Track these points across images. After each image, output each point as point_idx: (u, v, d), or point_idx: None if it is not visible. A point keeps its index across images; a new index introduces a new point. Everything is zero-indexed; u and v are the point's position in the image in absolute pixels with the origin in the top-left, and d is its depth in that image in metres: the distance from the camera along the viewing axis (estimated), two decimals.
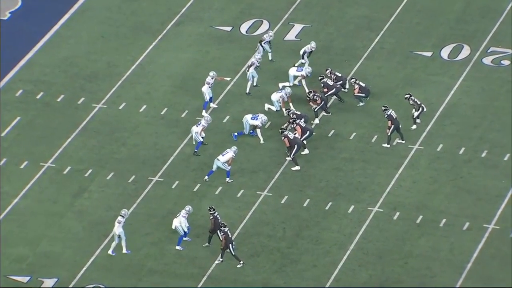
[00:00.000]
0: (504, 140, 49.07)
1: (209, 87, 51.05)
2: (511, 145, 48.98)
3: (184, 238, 44.64)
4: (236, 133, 50.36)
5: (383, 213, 45.69)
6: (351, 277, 43.13)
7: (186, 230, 44.81)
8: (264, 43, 52.92)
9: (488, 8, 56.12)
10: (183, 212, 45.19)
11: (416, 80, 52.10)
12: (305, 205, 46.13)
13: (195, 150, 48.68)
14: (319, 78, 51.35)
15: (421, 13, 55.32)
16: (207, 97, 51.18)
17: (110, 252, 45.08)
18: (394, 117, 49.64)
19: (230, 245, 44.03)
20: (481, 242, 44.97)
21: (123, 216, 45.04)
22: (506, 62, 53.14)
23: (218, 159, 47.60)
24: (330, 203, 45.97)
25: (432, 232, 45.17)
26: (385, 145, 49.58)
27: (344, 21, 55.16)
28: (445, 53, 53.20)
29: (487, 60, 53.33)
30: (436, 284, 43.52)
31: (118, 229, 44.91)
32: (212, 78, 50.99)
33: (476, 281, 43.29)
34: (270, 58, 52.63)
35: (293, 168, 48.77)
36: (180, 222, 44.86)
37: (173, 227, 45.40)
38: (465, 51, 53.69)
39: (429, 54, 53.27)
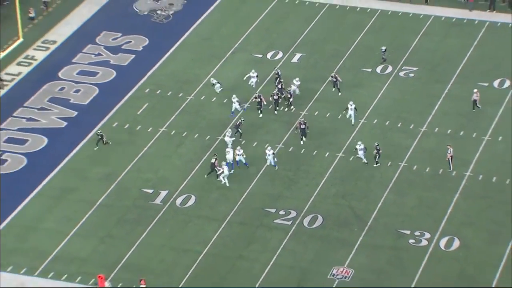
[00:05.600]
0: (412, 117, 51.84)
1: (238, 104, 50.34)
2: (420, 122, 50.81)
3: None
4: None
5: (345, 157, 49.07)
6: (326, 191, 47.30)
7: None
8: (252, 78, 52.81)
9: (403, 44, 57.92)
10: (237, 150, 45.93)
11: (364, 85, 54.55)
12: (301, 152, 49.79)
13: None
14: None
15: (366, 48, 57.74)
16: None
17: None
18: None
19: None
20: None
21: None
22: (412, 75, 55.81)
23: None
24: (315, 151, 49.80)
25: None
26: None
27: (324, 51, 57.99)
28: (378, 69, 56.32)
29: (402, 73, 56.19)
30: None
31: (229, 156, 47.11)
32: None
33: None
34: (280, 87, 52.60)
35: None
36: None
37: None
38: (390, 68, 56.67)
39: (369, 70, 56.19)
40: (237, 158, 47.94)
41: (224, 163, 47.44)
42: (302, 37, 59.16)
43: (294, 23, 60.16)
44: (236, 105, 51.46)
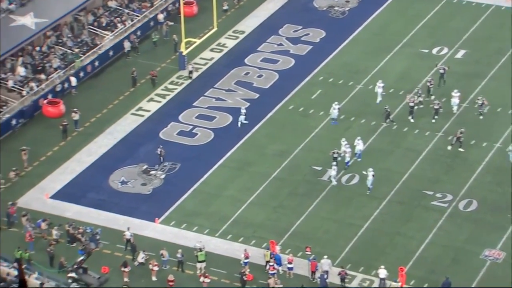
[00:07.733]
0: None
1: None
2: None
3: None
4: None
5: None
6: (482, 177, 46.15)
7: None
8: (379, 89, 50.59)
9: None
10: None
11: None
12: (460, 141, 48.61)
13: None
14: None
15: None
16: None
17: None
18: None
19: None
20: None
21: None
22: None
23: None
24: (473, 141, 48.92)
25: None
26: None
27: (487, 49, 57.09)
28: None
29: None
30: None
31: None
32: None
33: None
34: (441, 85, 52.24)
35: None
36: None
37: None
38: None
39: None
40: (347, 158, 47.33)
41: (334, 163, 46.53)
42: (467, 35, 58.43)
43: (460, 22, 59.54)
44: (335, 112, 49.74)
